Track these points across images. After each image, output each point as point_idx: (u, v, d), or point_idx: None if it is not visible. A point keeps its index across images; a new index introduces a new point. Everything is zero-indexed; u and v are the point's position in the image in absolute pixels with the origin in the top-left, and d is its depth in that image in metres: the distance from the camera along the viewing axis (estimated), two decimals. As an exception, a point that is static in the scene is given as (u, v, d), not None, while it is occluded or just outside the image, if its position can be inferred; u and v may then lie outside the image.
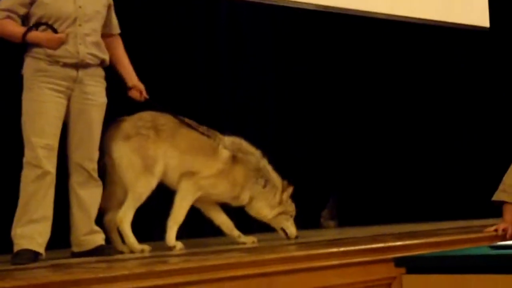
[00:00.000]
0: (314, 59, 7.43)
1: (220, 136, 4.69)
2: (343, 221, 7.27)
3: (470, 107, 7.80)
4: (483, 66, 7.81)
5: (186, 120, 4.63)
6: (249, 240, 4.68)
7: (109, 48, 4.46)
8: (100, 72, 4.38)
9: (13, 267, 3.79)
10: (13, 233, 4.10)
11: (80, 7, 4.24)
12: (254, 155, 4.75)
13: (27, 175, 4.11)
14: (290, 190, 4.89)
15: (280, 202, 4.82)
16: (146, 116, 4.56)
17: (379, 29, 7.44)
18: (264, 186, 4.76)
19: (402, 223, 6.47)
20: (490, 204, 4.57)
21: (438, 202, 7.38)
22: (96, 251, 4.25)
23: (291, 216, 4.85)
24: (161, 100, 4.71)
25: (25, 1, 4.17)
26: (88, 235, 4.30)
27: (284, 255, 3.65)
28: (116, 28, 4.55)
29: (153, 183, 4.46)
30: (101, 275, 3.07)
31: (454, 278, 2.87)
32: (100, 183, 4.37)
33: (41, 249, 4.08)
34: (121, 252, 4.42)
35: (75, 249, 4.31)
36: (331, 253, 3.77)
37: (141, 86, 4.55)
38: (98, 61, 4.33)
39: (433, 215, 7.01)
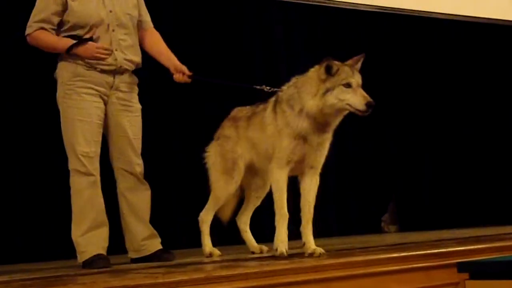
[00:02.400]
0: (372, 57, 7.35)
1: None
2: (404, 226, 7.18)
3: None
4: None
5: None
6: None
7: (146, 42, 4.44)
8: (134, 78, 4.36)
9: (73, 272, 3.83)
10: (75, 240, 4.14)
11: (110, 11, 4.21)
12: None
13: (77, 182, 4.13)
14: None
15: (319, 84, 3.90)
16: (231, 114, 4.47)
17: (439, 29, 7.35)
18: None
19: (464, 228, 6.37)
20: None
21: (502, 206, 7.24)
22: (155, 257, 4.26)
23: (346, 85, 3.86)
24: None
25: (58, 10, 4.15)
26: (146, 240, 4.31)
27: (344, 260, 3.61)
28: (148, 24, 4.47)
29: (230, 188, 4.34)
30: (160, 280, 3.07)
31: (519, 284, 2.80)
32: (148, 186, 4.37)
33: (106, 254, 4.12)
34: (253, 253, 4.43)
35: (133, 255, 4.33)
36: (391, 258, 3.72)
37: (182, 67, 4.38)
38: (134, 66, 4.32)
39: (497, 219, 6.89)
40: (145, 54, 4.45)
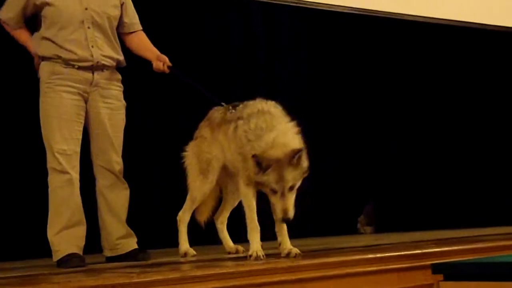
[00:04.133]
0: (348, 62, 7.39)
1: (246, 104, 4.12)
2: (380, 227, 7.21)
3: None
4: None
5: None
6: None
7: (133, 45, 4.45)
8: (117, 75, 4.36)
9: (47, 271, 3.81)
10: (50, 239, 4.12)
11: (86, 9, 4.21)
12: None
13: (54, 180, 4.13)
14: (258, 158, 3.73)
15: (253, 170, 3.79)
16: (209, 114, 4.43)
17: (417, 31, 7.38)
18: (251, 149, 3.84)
19: (440, 229, 6.40)
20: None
21: (478, 208, 7.28)
22: (130, 256, 4.25)
23: (272, 190, 3.75)
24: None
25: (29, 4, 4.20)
26: (121, 239, 4.30)
27: (319, 261, 3.61)
28: (134, 26, 4.47)
29: (205, 188, 4.34)
30: (135, 280, 3.06)
31: (493, 286, 2.81)
32: (127, 185, 4.36)
33: (81, 253, 4.11)
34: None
35: (108, 253, 4.32)
36: (367, 259, 3.73)
37: (163, 57, 4.38)
38: (113, 63, 4.30)
39: (472, 221, 6.92)
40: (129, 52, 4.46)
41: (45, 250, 4.22)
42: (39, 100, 4.20)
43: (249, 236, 3.97)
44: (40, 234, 4.26)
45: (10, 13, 4.27)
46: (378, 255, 3.80)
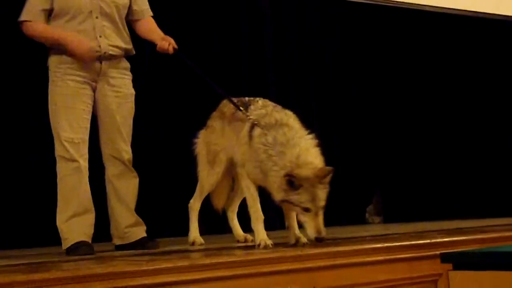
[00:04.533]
0: (359, 54, 7.37)
1: (258, 105, 4.12)
2: (389, 217, 7.21)
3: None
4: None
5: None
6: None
7: (141, 31, 4.41)
8: (125, 63, 4.36)
9: (56, 258, 3.82)
10: (59, 227, 4.13)
11: None
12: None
13: (62, 168, 4.13)
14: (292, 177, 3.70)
15: (282, 188, 3.75)
16: (221, 105, 4.40)
17: (427, 23, 7.36)
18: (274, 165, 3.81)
19: (448, 220, 6.40)
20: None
21: (486, 199, 7.27)
22: (139, 244, 4.26)
23: (304, 209, 3.74)
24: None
25: None
26: (130, 227, 4.31)
27: (328, 250, 3.62)
28: (143, 13, 4.44)
29: (212, 179, 4.33)
30: (144, 267, 3.07)
31: (502, 275, 2.80)
32: (136, 174, 4.37)
33: (90, 240, 4.12)
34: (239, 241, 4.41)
35: (117, 241, 4.34)
36: (375, 248, 3.74)
37: (169, 38, 4.33)
38: (121, 52, 4.30)
39: (481, 211, 6.91)
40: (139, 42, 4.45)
41: (54, 238, 4.24)
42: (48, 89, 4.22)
43: (254, 226, 3.98)
44: (49, 222, 4.28)
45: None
46: (387, 244, 3.81)
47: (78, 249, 4.01)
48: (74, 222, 4.10)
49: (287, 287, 3.38)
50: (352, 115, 7.34)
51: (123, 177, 4.32)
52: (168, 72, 5.83)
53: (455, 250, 3.62)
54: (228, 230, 4.64)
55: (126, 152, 4.32)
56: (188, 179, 4.61)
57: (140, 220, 4.37)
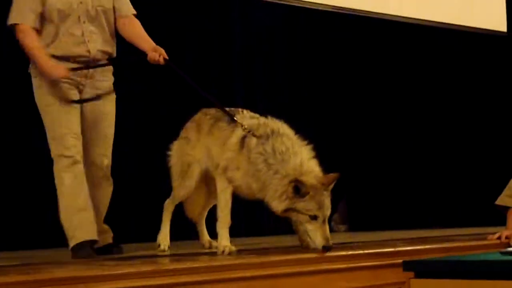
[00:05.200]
0: (326, 61, 7.41)
1: (244, 115, 4.12)
2: (354, 226, 7.24)
3: (485, 113, 7.75)
4: (500, 71, 7.76)
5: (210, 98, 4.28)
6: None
7: (124, 30, 4.34)
8: (110, 67, 4.34)
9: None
10: (64, 224, 4.09)
11: (81, 3, 4.16)
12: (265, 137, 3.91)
13: (62, 166, 4.08)
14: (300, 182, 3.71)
15: (286, 196, 3.75)
16: (196, 116, 4.37)
17: (394, 31, 7.42)
18: (275, 173, 3.80)
19: (414, 229, 6.44)
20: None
21: (451, 208, 7.34)
22: (105, 250, 4.24)
23: (312, 217, 3.74)
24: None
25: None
26: (98, 234, 4.26)
27: (291, 257, 3.62)
28: (126, 11, 4.37)
29: (183, 192, 4.29)
30: (106, 272, 3.06)
31: (463, 284, 2.84)
32: (111, 181, 4.35)
33: (94, 236, 4.09)
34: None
35: None
36: (339, 256, 3.75)
37: (160, 49, 4.27)
38: (106, 56, 4.28)
39: (446, 221, 6.98)
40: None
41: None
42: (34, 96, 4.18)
43: (220, 230, 3.95)
44: (37, 225, 4.21)
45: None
46: (351, 252, 3.82)
47: (84, 248, 3.98)
48: (79, 218, 4.06)
49: (251, 293, 3.39)
50: (317, 123, 7.36)
51: (100, 186, 4.29)
52: (141, 81, 5.79)
53: (417, 258, 3.65)
54: (195, 236, 4.61)
55: (106, 157, 4.29)
56: (157, 184, 4.58)
57: (108, 227, 4.36)
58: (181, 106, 5.25)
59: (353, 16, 6.99)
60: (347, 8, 6.83)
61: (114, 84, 4.37)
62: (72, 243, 4.05)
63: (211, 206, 4.52)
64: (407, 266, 3.02)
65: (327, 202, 3.76)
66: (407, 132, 7.52)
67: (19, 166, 5.47)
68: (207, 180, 4.38)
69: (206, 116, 4.29)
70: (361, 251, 3.86)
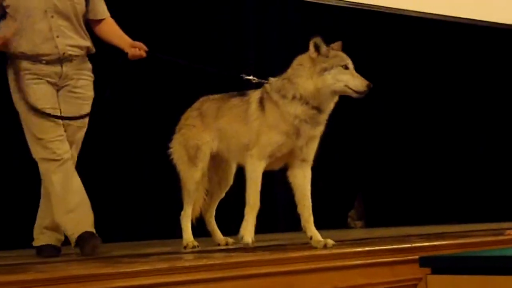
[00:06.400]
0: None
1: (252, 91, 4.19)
2: (371, 222, 7.21)
3: (503, 108, 7.70)
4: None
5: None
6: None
7: (101, 32, 4.23)
8: (87, 64, 4.19)
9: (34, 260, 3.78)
10: (61, 225, 4.05)
11: None
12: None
13: (48, 169, 4.00)
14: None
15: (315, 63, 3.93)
16: (196, 104, 4.38)
17: (411, 27, 7.38)
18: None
19: (431, 225, 6.41)
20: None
21: (469, 204, 7.30)
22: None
23: (344, 67, 3.95)
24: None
25: None
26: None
27: (308, 253, 3.62)
28: (101, 13, 4.23)
29: (196, 176, 4.26)
30: (122, 269, 3.07)
31: (480, 279, 2.81)
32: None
33: (92, 229, 4.01)
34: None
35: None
36: (355, 252, 3.74)
37: (139, 44, 4.18)
38: (82, 51, 4.13)
39: (463, 216, 6.94)
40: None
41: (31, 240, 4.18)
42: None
43: (246, 213, 3.93)
44: (25, 225, 4.19)
45: None
46: (367, 248, 3.81)
47: (84, 239, 3.91)
48: (74, 216, 4.00)
49: (266, 290, 3.38)
50: (334, 119, 7.32)
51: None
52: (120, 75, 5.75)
53: (434, 254, 3.63)
54: (205, 233, 4.61)
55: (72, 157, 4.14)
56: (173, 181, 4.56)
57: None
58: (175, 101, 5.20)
59: (367, 11, 6.96)
60: (364, 4, 6.80)
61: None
62: (73, 240, 3.98)
63: (219, 200, 4.52)
64: (424, 262, 2.99)
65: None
66: (423, 127, 7.47)
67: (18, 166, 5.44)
68: (213, 169, 4.39)
69: (208, 101, 4.32)
70: (377, 247, 3.85)
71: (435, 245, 4.03)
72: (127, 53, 4.20)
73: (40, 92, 4.02)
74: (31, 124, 4.04)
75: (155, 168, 5.97)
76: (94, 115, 4.19)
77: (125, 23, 4.40)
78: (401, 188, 7.36)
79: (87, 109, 4.17)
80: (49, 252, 4.11)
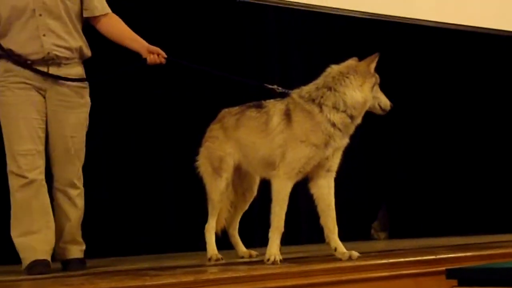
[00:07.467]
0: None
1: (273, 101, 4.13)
2: (394, 233, 7.18)
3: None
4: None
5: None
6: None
7: (103, 29, 4.06)
8: (79, 69, 4.04)
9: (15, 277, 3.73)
10: (15, 243, 3.91)
11: None
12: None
13: (13, 185, 3.86)
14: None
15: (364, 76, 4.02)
16: (218, 116, 4.37)
17: (431, 36, 7.36)
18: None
19: (455, 236, 6.37)
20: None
21: (493, 215, 7.24)
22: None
23: (379, 85, 4.17)
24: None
25: None
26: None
27: (333, 265, 3.61)
28: (99, 10, 4.06)
29: (221, 186, 4.23)
30: (148, 283, 3.06)
31: (507, 291, 2.79)
32: (80, 207, 4.10)
33: (48, 257, 3.88)
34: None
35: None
36: (380, 264, 3.72)
37: (156, 49, 4.07)
38: (72, 53, 3.97)
39: (488, 227, 6.88)
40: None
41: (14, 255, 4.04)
42: None
43: (271, 235, 3.87)
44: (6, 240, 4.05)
45: None
46: (392, 260, 3.79)
47: (33, 268, 3.79)
48: (28, 240, 3.85)
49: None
50: (357, 130, 7.31)
51: (74, 205, 4.06)
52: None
53: (461, 266, 3.61)
54: (228, 246, 4.60)
55: (75, 175, 4.04)
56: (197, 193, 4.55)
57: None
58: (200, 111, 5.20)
59: (387, 22, 6.94)
60: (381, 14, 6.78)
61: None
62: (24, 264, 3.85)
63: (242, 213, 4.51)
64: (451, 274, 2.99)
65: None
66: (447, 138, 7.43)
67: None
68: (238, 181, 4.38)
69: (228, 113, 4.32)
70: (402, 259, 3.84)
71: (459, 257, 3.99)
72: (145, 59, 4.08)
73: (21, 98, 3.87)
74: (8, 132, 3.89)
75: (179, 180, 5.99)
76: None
77: (147, 30, 4.40)
78: (425, 198, 7.32)
79: (76, 120, 3.99)
80: (75, 266, 4.02)
